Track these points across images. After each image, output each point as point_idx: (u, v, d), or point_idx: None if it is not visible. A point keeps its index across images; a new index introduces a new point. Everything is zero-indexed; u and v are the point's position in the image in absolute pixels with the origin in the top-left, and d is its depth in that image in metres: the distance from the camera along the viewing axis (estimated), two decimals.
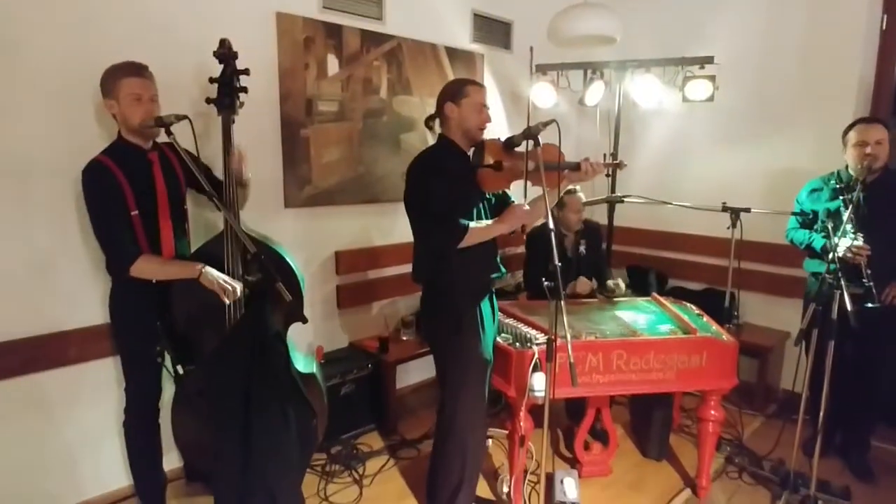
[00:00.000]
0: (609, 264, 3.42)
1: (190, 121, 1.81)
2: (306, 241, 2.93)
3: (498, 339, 2.25)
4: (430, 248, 2.05)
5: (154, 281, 1.99)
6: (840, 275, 2.09)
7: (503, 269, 2.15)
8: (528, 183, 2.01)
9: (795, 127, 3.31)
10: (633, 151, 3.95)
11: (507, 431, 2.38)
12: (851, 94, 3.13)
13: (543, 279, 1.78)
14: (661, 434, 2.77)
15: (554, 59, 3.58)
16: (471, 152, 2.08)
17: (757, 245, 3.35)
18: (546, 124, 1.85)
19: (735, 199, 2.83)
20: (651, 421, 2.74)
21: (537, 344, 2.17)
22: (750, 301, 3.54)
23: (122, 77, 1.90)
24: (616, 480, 2.60)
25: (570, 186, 2.59)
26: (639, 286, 3.88)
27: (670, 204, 2.96)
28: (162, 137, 1.98)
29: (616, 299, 2.81)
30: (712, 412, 2.37)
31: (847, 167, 2.55)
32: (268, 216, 2.68)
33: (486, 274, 2.09)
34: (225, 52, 2.06)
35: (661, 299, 2.79)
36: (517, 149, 2.07)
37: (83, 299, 2.23)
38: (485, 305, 2.11)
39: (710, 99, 3.33)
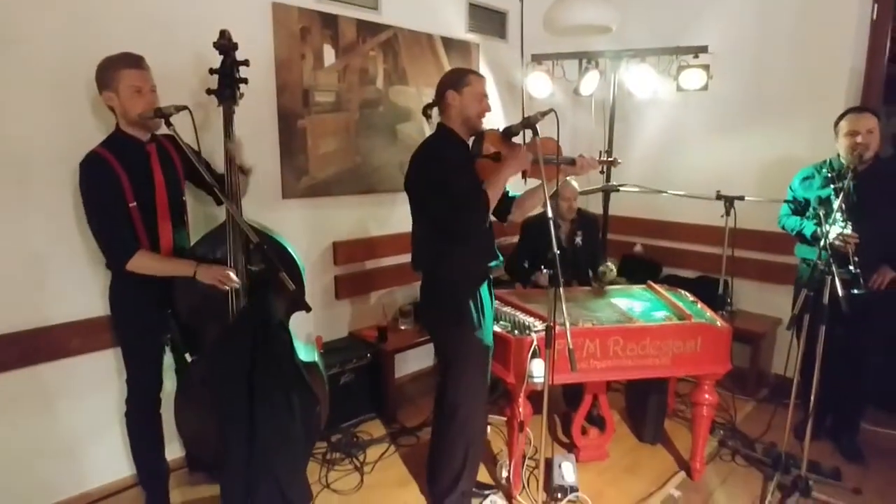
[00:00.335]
0: (605, 255, 3.47)
1: (190, 111, 1.82)
2: (304, 231, 2.94)
3: (496, 327, 2.28)
4: (452, 232, 2.02)
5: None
6: (831, 261, 2.13)
7: (500, 256, 2.18)
8: (526, 174, 2.04)
9: (788, 116, 3.34)
10: (629, 141, 3.98)
11: (505, 418, 2.41)
12: (842, 84, 3.16)
13: (543, 267, 1.81)
14: (657, 419, 2.82)
15: (549, 48, 3.59)
16: (470, 141, 2.10)
17: (750, 233, 3.38)
18: (545, 114, 1.88)
19: (729, 187, 2.87)
20: (646, 406, 2.79)
21: (535, 331, 2.20)
22: (743, 288, 3.59)
23: (121, 69, 1.88)
24: (613, 464, 2.65)
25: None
26: (632, 275, 3.93)
27: (665, 193, 2.99)
28: (161, 129, 1.99)
29: (611, 287, 2.85)
30: (706, 396, 2.42)
31: (839, 156, 2.59)
32: (266, 207, 2.69)
33: (485, 261, 2.12)
34: (225, 43, 2.06)
35: (657, 287, 2.83)
36: (515, 139, 2.10)
37: (83, 291, 2.24)
38: (484, 292, 2.13)
39: (704, 88, 3.37)
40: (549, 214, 1.82)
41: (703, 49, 3.31)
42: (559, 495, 2.33)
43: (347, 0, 2.93)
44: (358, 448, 2.74)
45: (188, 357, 2.18)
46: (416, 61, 3.28)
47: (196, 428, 2.25)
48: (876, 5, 3.14)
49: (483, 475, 2.50)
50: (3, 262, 2.06)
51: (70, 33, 2.09)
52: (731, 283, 3.56)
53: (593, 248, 3.07)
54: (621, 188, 3.08)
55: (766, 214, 3.24)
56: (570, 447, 2.70)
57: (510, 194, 2.21)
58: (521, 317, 2.40)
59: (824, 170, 2.61)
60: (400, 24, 3.17)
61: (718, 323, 2.41)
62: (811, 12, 3.23)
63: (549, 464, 2.44)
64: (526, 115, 1.90)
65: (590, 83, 3.62)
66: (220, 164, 2.15)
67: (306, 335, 2.94)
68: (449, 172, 1.96)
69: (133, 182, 1.94)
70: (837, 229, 2.39)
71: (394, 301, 3.40)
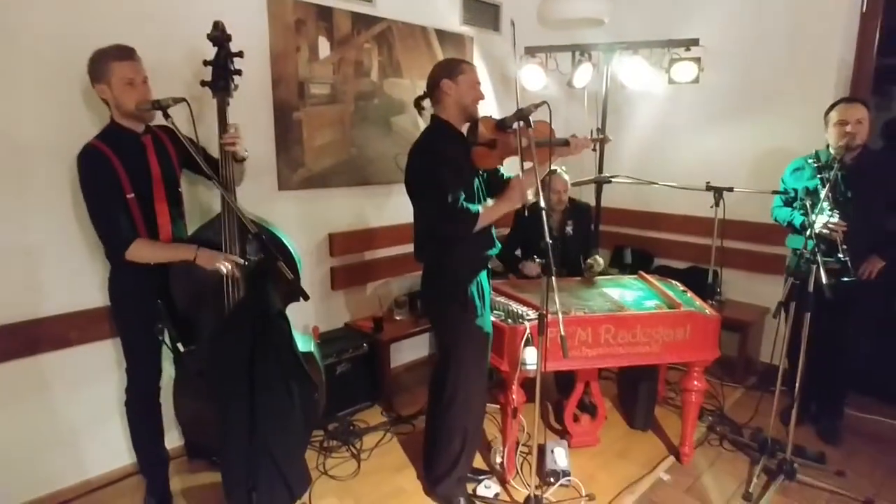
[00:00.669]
0: (597, 245, 3.51)
1: (188, 103, 1.84)
2: (300, 223, 2.97)
3: (491, 316, 2.32)
4: (439, 234, 2.06)
5: (152, 264, 2.02)
6: (816, 250, 2.19)
7: (499, 245, 2.22)
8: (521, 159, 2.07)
9: (779, 108, 3.38)
10: (622, 132, 4.02)
11: (499, 406, 2.46)
12: (832, 76, 3.21)
13: (535, 256, 1.85)
14: (647, 406, 2.88)
15: (542, 41, 3.62)
16: (465, 129, 2.13)
17: (740, 224, 3.45)
18: (538, 106, 1.91)
19: (721, 179, 2.91)
20: (637, 394, 2.86)
21: (528, 320, 2.25)
22: (733, 278, 3.65)
23: (112, 62, 1.89)
24: (604, 450, 2.71)
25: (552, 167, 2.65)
26: (624, 265, 3.99)
27: (656, 184, 3.04)
28: (156, 120, 2.01)
29: (603, 277, 2.90)
30: (695, 383, 2.48)
31: (828, 146, 2.63)
32: (262, 199, 2.71)
33: (485, 250, 2.15)
34: (219, 35, 2.07)
35: (648, 277, 2.88)
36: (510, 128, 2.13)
37: (82, 283, 2.26)
38: (483, 280, 2.17)
39: (696, 81, 3.41)
40: (542, 205, 1.85)
41: (695, 42, 3.34)
42: (552, 479, 2.39)
43: None
44: (355, 436, 2.79)
45: (180, 347, 2.21)
46: (410, 54, 3.30)
47: (194, 416, 2.29)
48: None
49: (478, 461, 2.55)
50: (3, 254, 2.08)
51: (65, 26, 2.10)
52: (720, 272, 3.63)
53: (584, 238, 3.11)
54: (613, 179, 3.12)
55: (756, 206, 3.30)
56: (563, 434, 2.76)
57: (505, 175, 2.23)
58: (515, 306, 2.45)
59: (811, 160, 2.66)
60: (394, 16, 3.18)
61: (707, 311, 2.46)
62: (801, 5, 3.27)
63: (541, 449, 2.50)
64: (519, 108, 1.93)
65: (583, 75, 3.65)
66: (214, 151, 2.16)
67: (303, 326, 2.98)
68: (444, 172, 1.98)
69: (130, 173, 1.95)
70: (824, 218, 2.44)
71: (389, 292, 3.44)
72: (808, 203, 2.43)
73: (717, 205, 2.74)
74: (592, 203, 3.62)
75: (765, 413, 2.70)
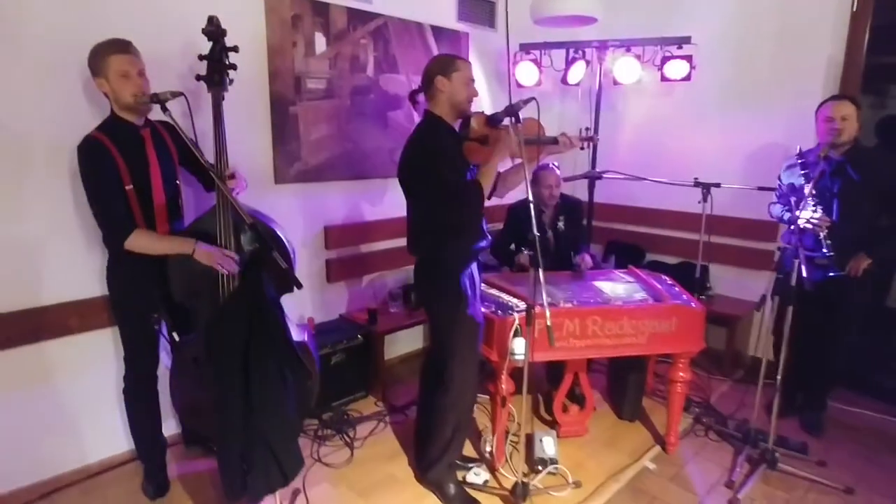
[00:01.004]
0: (589, 240, 3.57)
1: (185, 97, 1.88)
2: (297, 216, 3.02)
3: (482, 308, 2.38)
4: (447, 220, 2.10)
5: (150, 255, 2.06)
6: (798, 245, 2.24)
7: (489, 237, 2.27)
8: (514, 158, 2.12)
9: (770, 105, 3.43)
10: (616, 128, 4.08)
11: (489, 394, 2.52)
12: (821, 74, 3.26)
13: (523, 248, 1.90)
14: (635, 397, 2.94)
15: (537, 38, 3.67)
16: (458, 125, 2.17)
17: (729, 220, 3.51)
18: (526, 102, 1.96)
19: (712, 175, 2.96)
20: (626, 385, 2.91)
21: (518, 311, 2.30)
22: (722, 273, 3.72)
23: (109, 55, 1.93)
24: (592, 440, 2.77)
25: (543, 162, 2.70)
26: (617, 261, 4.05)
27: (646, 180, 3.09)
28: (155, 115, 2.05)
29: (593, 271, 2.96)
30: (681, 374, 2.54)
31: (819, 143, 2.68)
32: (258, 192, 2.75)
33: (476, 242, 2.20)
34: (214, 30, 2.10)
35: (638, 271, 2.93)
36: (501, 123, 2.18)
37: (81, 273, 2.31)
38: (474, 272, 2.23)
39: (687, 78, 3.46)
40: (529, 198, 1.90)
41: (687, 40, 3.40)
42: (539, 467, 2.45)
43: None
44: (348, 425, 2.85)
45: (175, 336, 2.26)
46: (406, 50, 3.34)
47: (191, 404, 2.35)
48: None
49: (468, 449, 2.61)
50: (5, 243, 2.13)
51: (65, 20, 2.14)
52: (710, 268, 3.70)
53: (576, 233, 3.16)
54: (604, 175, 3.18)
55: (746, 202, 3.36)
56: (553, 424, 2.82)
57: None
58: (506, 298, 2.50)
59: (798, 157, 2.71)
60: (390, 12, 3.22)
61: (693, 304, 2.51)
62: (791, 4, 3.31)
63: (530, 439, 2.57)
64: (509, 104, 1.98)
65: (577, 72, 3.71)
66: (211, 145, 2.20)
67: (299, 317, 3.03)
68: (443, 164, 2.02)
69: (129, 165, 2.00)
70: (808, 214, 2.49)
71: (384, 284, 3.49)
72: (791, 199, 2.48)
73: (704, 200, 2.79)
74: (586, 199, 3.67)
75: (751, 405, 2.75)
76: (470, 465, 2.48)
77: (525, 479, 2.22)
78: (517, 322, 2.21)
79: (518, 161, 2.18)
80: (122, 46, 1.96)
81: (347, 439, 2.74)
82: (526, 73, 3.73)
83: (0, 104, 2.06)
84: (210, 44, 2.11)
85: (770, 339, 2.72)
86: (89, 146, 1.95)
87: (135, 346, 2.20)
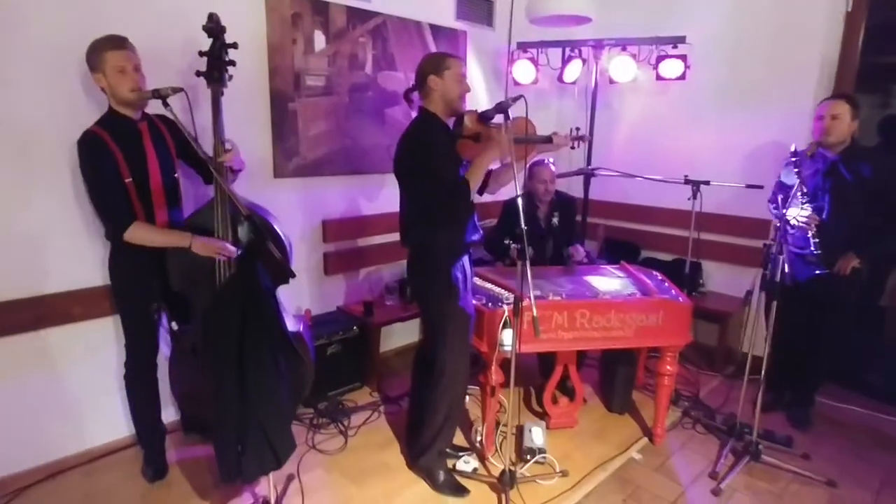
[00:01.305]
0: (582, 236, 3.62)
1: (186, 93, 1.94)
2: (295, 210, 3.09)
3: (473, 301, 2.43)
4: (438, 214, 2.16)
5: (149, 247, 2.12)
6: (783, 242, 2.29)
7: (481, 231, 2.33)
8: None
9: (764, 104, 3.46)
10: (611, 127, 4.12)
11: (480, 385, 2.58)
12: (814, 73, 3.29)
13: (510, 241, 1.95)
14: (625, 390, 2.99)
15: (534, 37, 3.71)
16: (451, 122, 2.23)
17: (723, 218, 3.56)
18: (515, 99, 2.01)
19: (707, 173, 3.00)
20: (615, 378, 2.97)
21: (507, 303, 2.36)
22: (715, 270, 3.76)
23: (106, 51, 1.99)
24: (581, 431, 2.83)
25: (539, 157, 2.76)
26: (612, 257, 4.09)
27: (638, 177, 3.14)
28: (151, 108, 2.11)
29: (584, 266, 3.01)
30: (668, 367, 2.59)
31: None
32: (258, 186, 2.83)
33: (468, 236, 2.25)
34: (213, 27, 2.15)
35: (629, 266, 2.98)
36: (492, 121, 2.24)
37: (83, 262, 2.38)
38: (465, 264, 2.28)
39: (682, 77, 3.51)
40: (518, 192, 1.96)
41: (681, 39, 3.44)
42: (528, 456, 2.51)
43: None
44: (343, 414, 2.91)
45: (174, 325, 2.33)
46: (404, 48, 3.40)
47: (189, 391, 2.42)
48: None
49: (459, 439, 2.67)
50: (9, 234, 2.20)
51: (68, 16, 2.19)
52: (702, 264, 3.74)
53: (569, 229, 3.21)
54: (597, 171, 3.23)
55: (739, 200, 3.40)
56: (544, 416, 2.87)
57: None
58: (497, 291, 2.56)
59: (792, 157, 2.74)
60: (389, 11, 3.27)
61: (680, 299, 2.56)
62: (786, 3, 3.34)
63: (520, 429, 2.63)
64: (498, 101, 2.03)
65: (573, 71, 3.76)
66: (209, 140, 2.26)
67: (296, 309, 3.10)
68: (436, 159, 2.08)
69: (127, 159, 2.05)
70: (797, 211, 2.53)
71: (380, 278, 3.55)
72: (779, 196, 2.52)
73: (693, 197, 2.84)
74: (581, 196, 3.72)
75: (742, 400, 2.80)
76: (460, 453, 2.54)
77: (512, 468, 2.29)
78: (506, 314, 2.27)
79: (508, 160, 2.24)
80: (118, 42, 2.01)
81: (342, 428, 2.80)
82: (523, 71, 3.78)
83: (7, 99, 2.12)
84: (210, 40, 2.17)
85: (758, 335, 2.75)
86: (88, 141, 2.01)
87: (135, 335, 2.27)
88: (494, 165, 2.18)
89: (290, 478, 2.38)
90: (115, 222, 2.09)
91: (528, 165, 2.94)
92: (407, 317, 3.32)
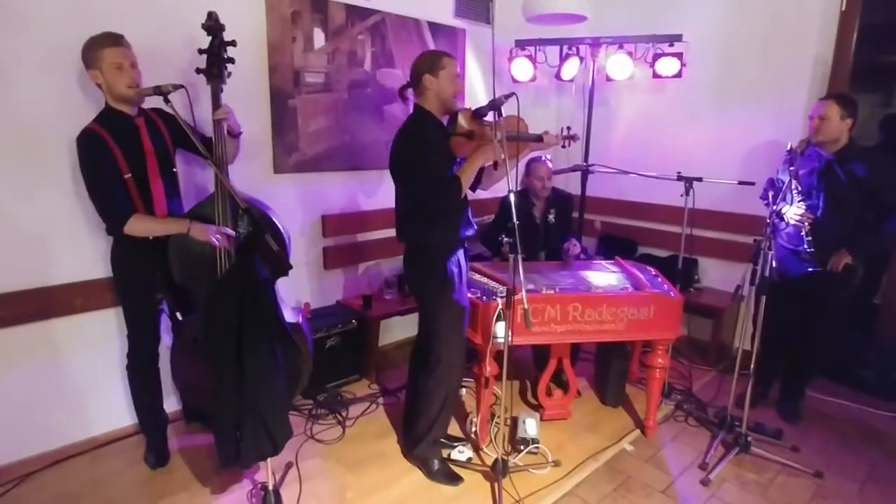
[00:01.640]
0: (580, 232, 3.66)
1: (186, 90, 1.99)
2: (295, 205, 3.14)
3: (468, 293, 2.48)
4: (430, 210, 2.21)
5: (150, 238, 2.18)
6: (771, 237, 2.33)
7: (475, 226, 2.38)
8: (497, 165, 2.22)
9: (759, 102, 3.49)
10: (608, 124, 4.16)
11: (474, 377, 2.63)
12: (807, 72, 3.32)
13: (504, 236, 2.00)
14: (618, 383, 3.04)
15: (532, 34, 3.75)
16: (445, 120, 2.28)
17: (718, 214, 3.60)
18: (507, 97, 2.05)
19: (702, 170, 3.02)
20: (609, 372, 3.01)
21: (500, 296, 2.41)
22: (711, 266, 3.80)
23: (102, 48, 2.02)
24: (575, 423, 2.88)
25: (537, 154, 2.80)
26: (609, 253, 4.13)
27: (632, 173, 3.18)
28: (148, 104, 2.16)
29: (580, 261, 3.06)
30: (659, 360, 2.64)
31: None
32: (258, 181, 2.88)
33: (463, 231, 2.30)
34: (213, 25, 2.20)
35: (623, 262, 3.03)
36: (485, 118, 2.28)
37: (86, 255, 2.43)
38: (461, 258, 2.33)
39: (678, 75, 3.54)
40: (509, 187, 2.00)
41: (678, 37, 3.48)
42: (521, 447, 2.56)
43: None
44: (341, 405, 2.97)
45: (178, 316, 2.39)
46: (403, 45, 3.44)
47: (191, 381, 2.48)
48: None
49: (455, 430, 2.73)
50: (14, 227, 2.26)
51: (69, 15, 2.24)
52: (698, 261, 3.78)
53: (565, 226, 3.25)
54: (591, 167, 3.27)
55: (733, 197, 3.44)
56: (538, 408, 2.92)
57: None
58: (492, 284, 2.61)
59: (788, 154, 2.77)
60: (388, 9, 3.31)
61: (672, 293, 2.61)
62: (781, 3, 3.37)
63: (514, 421, 2.68)
64: (491, 98, 2.08)
65: (570, 69, 3.79)
66: (208, 133, 2.31)
67: (296, 302, 3.16)
68: (429, 157, 2.13)
69: (125, 155, 2.10)
70: (791, 208, 2.57)
71: (379, 272, 3.61)
72: (769, 193, 2.56)
73: (686, 194, 2.88)
74: (578, 192, 3.76)
75: (734, 394, 2.85)
76: (455, 444, 2.59)
77: (505, 457, 2.34)
78: (500, 306, 2.32)
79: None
80: (114, 39, 2.05)
81: (340, 418, 2.86)
82: (521, 68, 3.82)
83: (10, 98, 2.17)
84: (209, 38, 2.22)
85: (748, 330, 2.80)
86: (87, 139, 2.05)
87: (137, 326, 2.32)
88: (487, 163, 2.23)
89: (288, 465, 2.44)
90: (114, 218, 2.13)
91: (524, 162, 2.99)
92: (405, 310, 3.37)
